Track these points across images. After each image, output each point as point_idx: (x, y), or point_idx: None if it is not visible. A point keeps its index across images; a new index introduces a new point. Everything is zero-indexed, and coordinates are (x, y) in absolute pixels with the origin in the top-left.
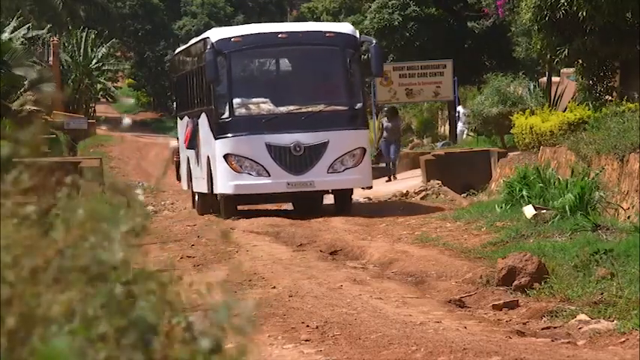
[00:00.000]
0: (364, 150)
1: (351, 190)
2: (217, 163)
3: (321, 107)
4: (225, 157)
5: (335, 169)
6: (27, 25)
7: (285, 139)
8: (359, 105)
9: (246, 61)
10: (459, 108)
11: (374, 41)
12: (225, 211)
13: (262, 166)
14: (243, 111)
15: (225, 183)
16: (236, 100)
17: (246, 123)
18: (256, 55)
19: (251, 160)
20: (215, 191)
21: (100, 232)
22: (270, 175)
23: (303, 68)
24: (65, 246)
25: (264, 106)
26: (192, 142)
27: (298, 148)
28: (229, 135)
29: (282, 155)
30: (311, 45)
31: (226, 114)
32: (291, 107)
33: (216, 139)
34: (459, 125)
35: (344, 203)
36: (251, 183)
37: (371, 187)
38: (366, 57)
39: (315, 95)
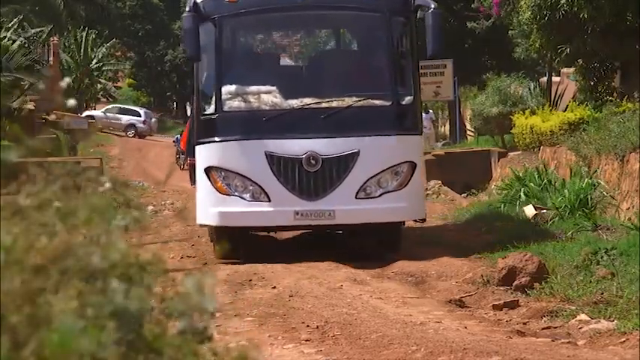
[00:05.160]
0: (414, 165)
1: (400, 226)
2: (197, 179)
3: (351, 101)
4: (208, 171)
5: (368, 193)
6: (14, 21)
7: (295, 147)
8: (409, 99)
9: (244, 31)
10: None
11: (432, 5)
12: (219, 245)
13: (260, 187)
14: (235, 104)
15: (207, 209)
16: (226, 88)
17: (240, 122)
18: (260, 23)
19: (244, 177)
20: (197, 220)
21: (97, 228)
22: (270, 201)
23: (329, 44)
24: (64, 243)
25: (267, 97)
26: (190, 144)
27: (313, 161)
28: (214, 139)
29: (290, 171)
30: (342, 10)
31: (211, 108)
32: (307, 100)
33: (196, 144)
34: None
35: (391, 241)
36: (242, 211)
37: (424, 220)
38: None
39: (343, 83)
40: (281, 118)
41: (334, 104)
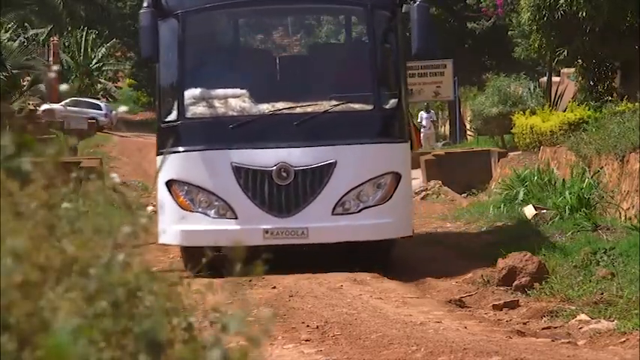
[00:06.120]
0: (398, 177)
1: (390, 240)
2: (159, 194)
3: (328, 105)
4: (169, 185)
5: (346, 208)
6: (15, 22)
7: (265, 157)
8: (393, 102)
9: (210, 28)
10: (422, 113)
11: None
12: (190, 263)
13: (225, 203)
14: (199, 110)
15: (168, 227)
16: (189, 92)
17: (204, 130)
18: (228, 20)
19: (208, 191)
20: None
21: (102, 232)
22: (237, 218)
23: (305, 42)
24: (68, 247)
25: (234, 102)
26: None
27: (285, 174)
28: (177, 149)
29: (259, 185)
30: (320, 3)
31: (173, 114)
32: (279, 105)
33: (157, 154)
34: (422, 131)
35: (380, 260)
36: (206, 229)
37: (411, 237)
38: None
39: (320, 85)
40: (249, 126)
41: (309, 109)
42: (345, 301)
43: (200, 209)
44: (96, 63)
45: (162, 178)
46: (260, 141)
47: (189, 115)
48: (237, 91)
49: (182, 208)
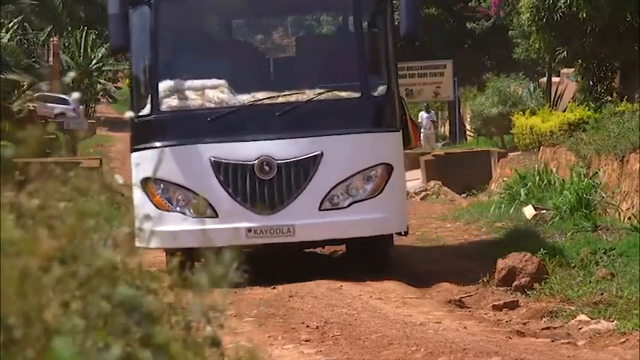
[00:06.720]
0: (390, 169)
1: (387, 237)
2: (134, 193)
3: (312, 94)
4: (144, 183)
5: (334, 203)
6: (15, 22)
7: (245, 151)
8: (382, 89)
9: (186, 16)
10: (422, 113)
11: None
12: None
13: (205, 200)
14: (174, 103)
15: (144, 229)
16: (164, 84)
17: (180, 124)
18: (205, 7)
19: (186, 189)
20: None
21: (99, 231)
22: (217, 216)
23: (286, 29)
24: (65, 246)
25: (212, 93)
26: None
27: (267, 168)
28: (152, 145)
29: (240, 180)
30: None
31: (147, 108)
32: (260, 95)
33: (131, 151)
34: (422, 131)
35: (376, 259)
36: (184, 230)
37: (406, 234)
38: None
39: (303, 73)
40: (229, 118)
41: (292, 98)
42: (344, 301)
43: (178, 208)
44: (96, 63)
45: (136, 177)
46: (240, 134)
47: (163, 108)
48: (215, 81)
49: (158, 207)
